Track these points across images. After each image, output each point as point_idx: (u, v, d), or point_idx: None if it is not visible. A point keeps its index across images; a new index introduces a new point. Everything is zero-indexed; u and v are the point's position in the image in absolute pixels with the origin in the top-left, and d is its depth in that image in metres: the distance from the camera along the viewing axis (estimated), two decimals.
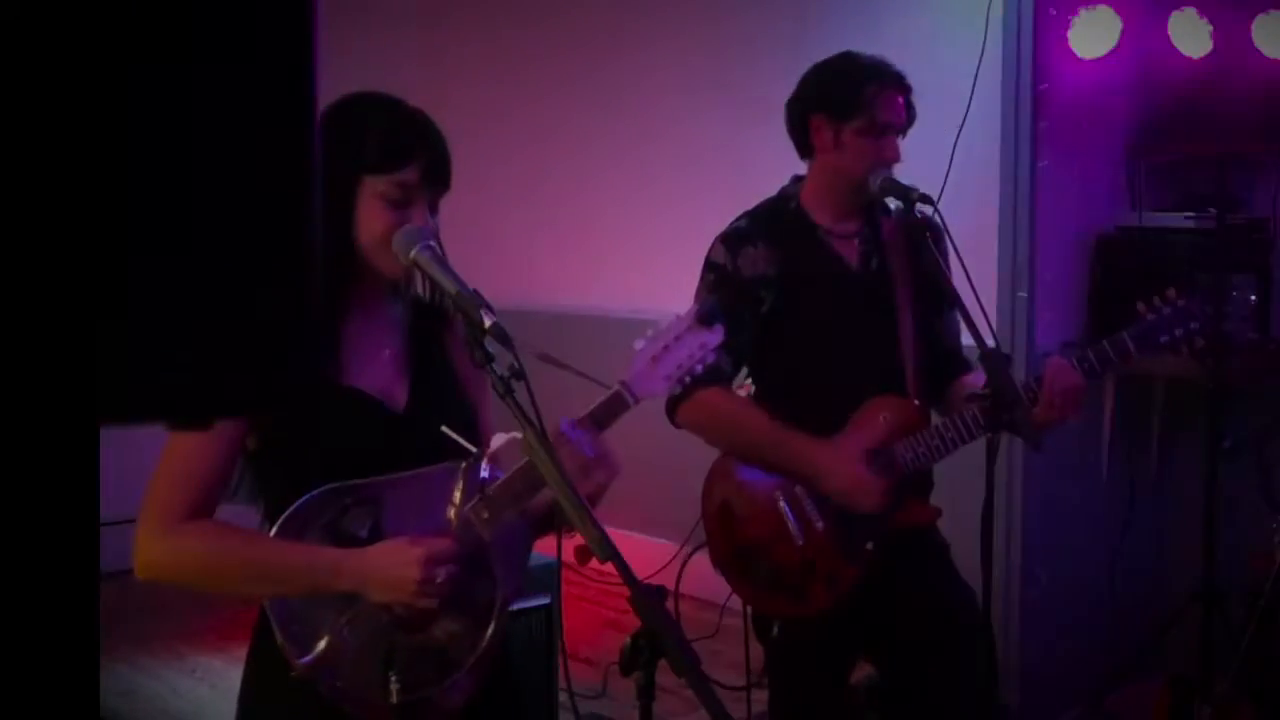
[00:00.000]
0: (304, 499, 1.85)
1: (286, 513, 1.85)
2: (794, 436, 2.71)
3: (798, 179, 2.86)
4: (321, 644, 1.85)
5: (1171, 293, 2.70)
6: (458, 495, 1.94)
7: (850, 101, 2.71)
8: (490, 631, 1.93)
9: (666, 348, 2.02)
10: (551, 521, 2.06)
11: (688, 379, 2.09)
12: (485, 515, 1.95)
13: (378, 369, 1.97)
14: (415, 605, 1.85)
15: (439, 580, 1.83)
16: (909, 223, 2.73)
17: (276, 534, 1.86)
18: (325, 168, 1.77)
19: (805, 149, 2.82)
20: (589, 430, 1.92)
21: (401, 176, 1.86)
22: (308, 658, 1.85)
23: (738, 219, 2.85)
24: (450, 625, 1.91)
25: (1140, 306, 2.70)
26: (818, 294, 2.77)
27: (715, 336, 2.04)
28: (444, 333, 2.07)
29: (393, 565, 1.83)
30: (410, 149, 1.87)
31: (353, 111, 1.91)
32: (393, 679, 1.84)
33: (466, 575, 1.89)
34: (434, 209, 1.92)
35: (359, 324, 1.95)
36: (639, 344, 2.03)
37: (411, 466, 1.92)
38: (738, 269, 2.75)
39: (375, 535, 1.89)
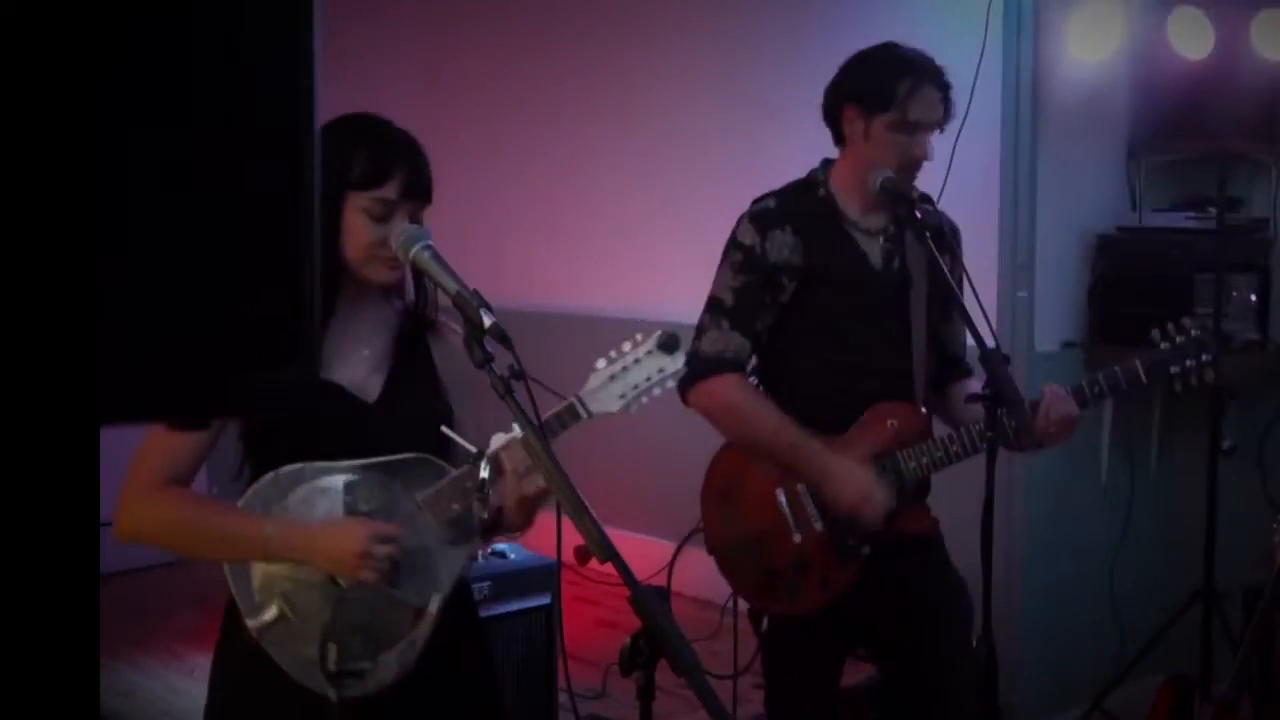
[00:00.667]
0: (269, 475, 2.02)
1: (252, 487, 2.02)
2: (805, 441, 2.68)
3: (828, 163, 2.82)
4: (271, 608, 2.01)
5: (1186, 322, 2.69)
6: (432, 488, 2.06)
7: (883, 95, 2.66)
8: (427, 618, 2.04)
9: (625, 368, 2.09)
10: (497, 527, 2.15)
11: (644, 399, 2.11)
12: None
13: (355, 366, 2.11)
14: (355, 578, 1.98)
15: (378, 556, 1.97)
16: (925, 225, 2.69)
17: (241, 505, 2.03)
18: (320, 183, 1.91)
19: (838, 137, 2.78)
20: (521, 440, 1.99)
21: (381, 193, 2.02)
22: (257, 620, 2.01)
23: (764, 198, 2.79)
24: (391, 606, 2.03)
25: (1155, 334, 2.68)
26: (838, 291, 2.73)
27: (674, 363, 2.10)
28: (428, 339, 2.19)
29: (337, 539, 1.98)
30: (389, 167, 2.03)
31: (339, 132, 2.05)
32: (331, 648, 1.97)
33: (411, 561, 2.03)
34: (417, 221, 2.05)
35: (341, 325, 2.09)
36: (600, 363, 2.10)
37: (378, 454, 2.04)
38: (765, 252, 2.70)
39: (331, 513, 2.03)
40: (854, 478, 2.65)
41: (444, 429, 2.09)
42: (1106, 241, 4.05)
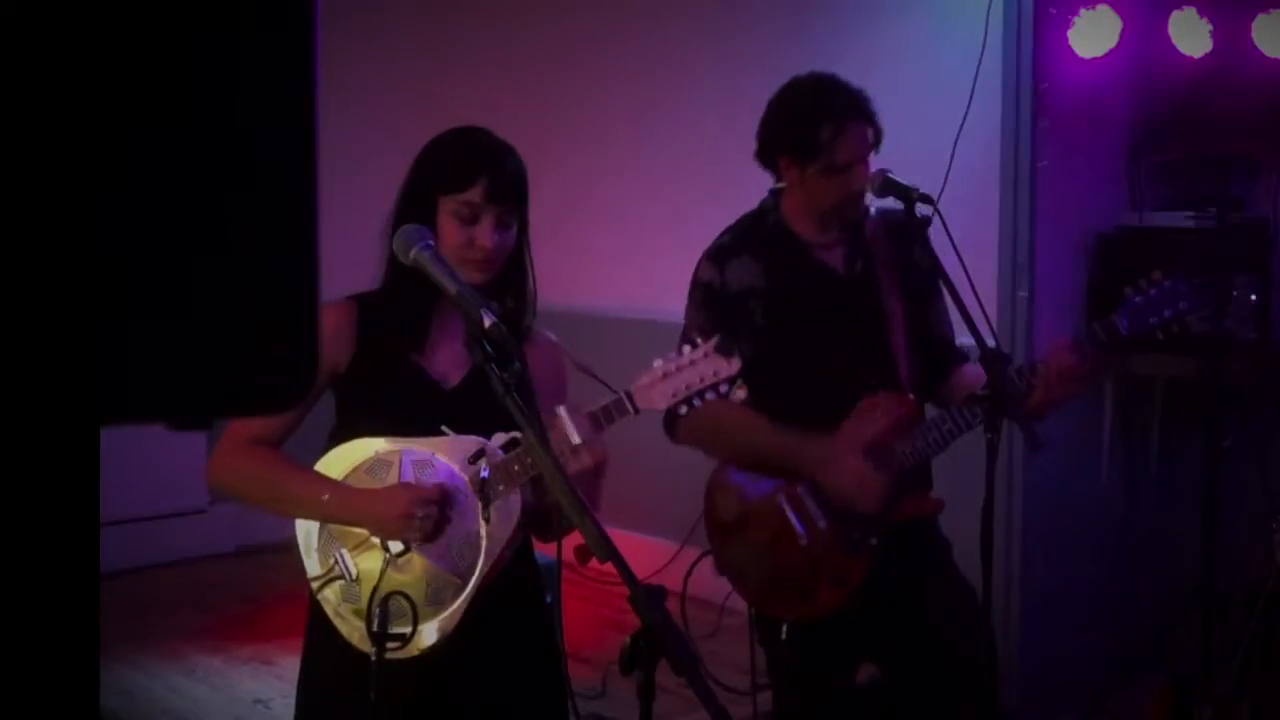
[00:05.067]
0: (342, 445, 2.19)
1: (331, 450, 2.19)
2: (793, 436, 2.71)
3: (775, 192, 2.86)
4: (329, 564, 2.19)
5: (1157, 274, 2.70)
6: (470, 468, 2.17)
7: (808, 146, 2.70)
8: (467, 592, 2.15)
9: (679, 368, 2.14)
10: (548, 523, 2.21)
11: (695, 400, 2.13)
12: (487, 517, 2.12)
13: (445, 354, 2.23)
14: (398, 538, 2.14)
15: (418, 518, 2.10)
16: (892, 222, 2.72)
17: (317, 466, 2.19)
18: (415, 187, 2.14)
19: (778, 178, 2.84)
20: (582, 419, 2.09)
21: (466, 196, 2.15)
22: (313, 575, 2.19)
23: (720, 236, 2.86)
24: (435, 577, 2.15)
25: (1126, 290, 2.70)
26: (806, 304, 2.77)
27: (730, 367, 2.14)
28: (523, 343, 2.24)
29: (382, 503, 2.12)
30: (474, 172, 2.15)
31: (439, 140, 2.23)
32: (376, 610, 2.10)
33: (456, 538, 2.15)
34: (505, 224, 2.18)
35: (441, 318, 2.23)
36: (656, 361, 2.15)
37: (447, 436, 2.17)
38: (725, 283, 2.76)
39: (389, 483, 2.18)
40: (847, 464, 2.67)
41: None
42: (1106, 241, 4.04)
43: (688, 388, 2.12)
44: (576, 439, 2.04)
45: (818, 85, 2.74)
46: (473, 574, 2.15)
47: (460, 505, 2.15)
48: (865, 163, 2.72)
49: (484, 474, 2.10)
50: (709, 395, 2.14)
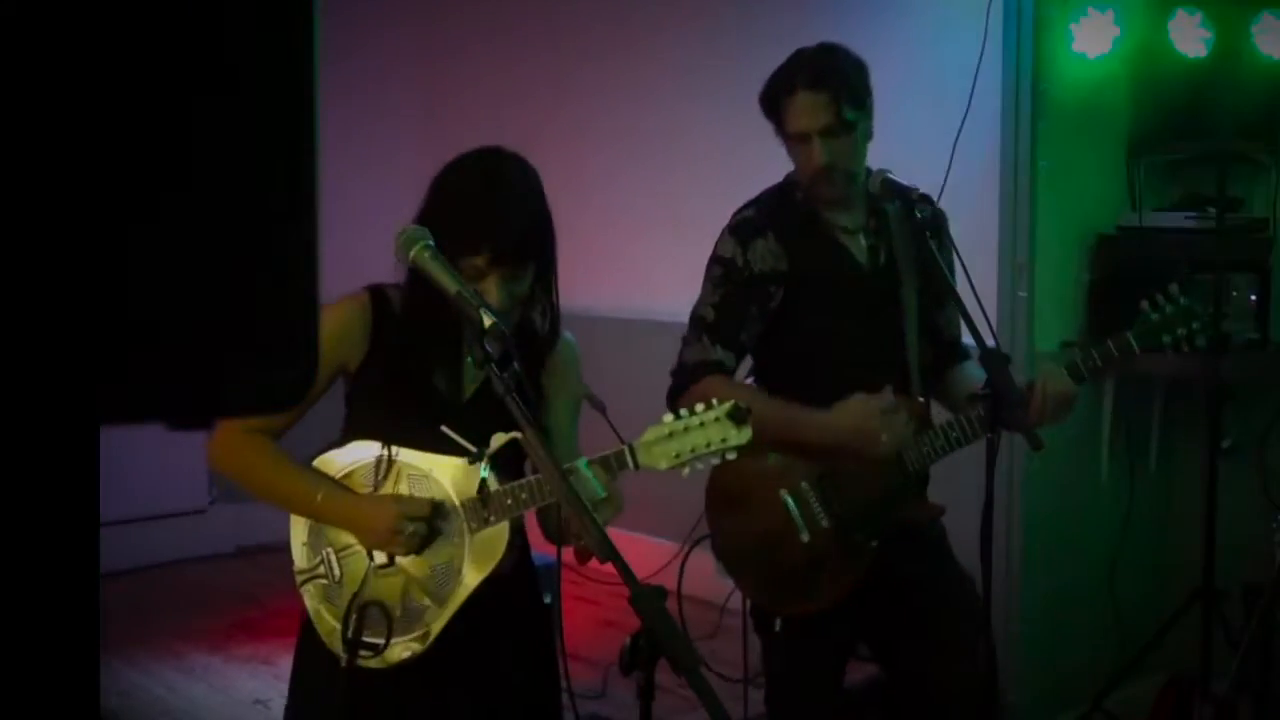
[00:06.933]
0: (343, 448, 2.18)
1: (332, 450, 2.18)
2: (796, 406, 2.68)
3: None
4: (315, 561, 2.19)
5: (1174, 290, 2.70)
6: (460, 486, 2.14)
7: (772, 113, 2.71)
8: (443, 617, 2.12)
9: (687, 429, 2.07)
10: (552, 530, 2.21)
11: (698, 465, 2.09)
12: (485, 515, 2.09)
13: (456, 370, 2.19)
14: (383, 550, 2.12)
15: (405, 534, 2.08)
16: (913, 223, 2.70)
17: (315, 463, 2.18)
18: (428, 223, 2.02)
19: None
20: (599, 470, 2.05)
21: (471, 260, 2.07)
22: (302, 568, 2.20)
23: (744, 208, 2.80)
24: (415, 594, 2.14)
25: (1144, 305, 2.70)
26: (826, 292, 2.74)
27: (740, 436, 2.07)
28: (535, 362, 2.22)
29: (372, 512, 2.11)
30: (478, 240, 2.06)
31: (451, 184, 2.14)
32: (353, 616, 2.09)
33: (441, 560, 2.13)
34: (516, 277, 2.09)
35: (457, 330, 2.10)
36: (666, 416, 2.09)
37: (455, 452, 2.13)
38: (748, 263, 2.71)
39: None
40: (849, 412, 2.64)
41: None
42: (1106, 241, 4.05)
43: (693, 451, 2.05)
44: (602, 492, 2.01)
45: (796, 54, 2.73)
46: (450, 602, 2.12)
47: (448, 527, 2.13)
48: (827, 136, 2.64)
49: (483, 474, 2.09)
50: (713, 460, 2.08)
